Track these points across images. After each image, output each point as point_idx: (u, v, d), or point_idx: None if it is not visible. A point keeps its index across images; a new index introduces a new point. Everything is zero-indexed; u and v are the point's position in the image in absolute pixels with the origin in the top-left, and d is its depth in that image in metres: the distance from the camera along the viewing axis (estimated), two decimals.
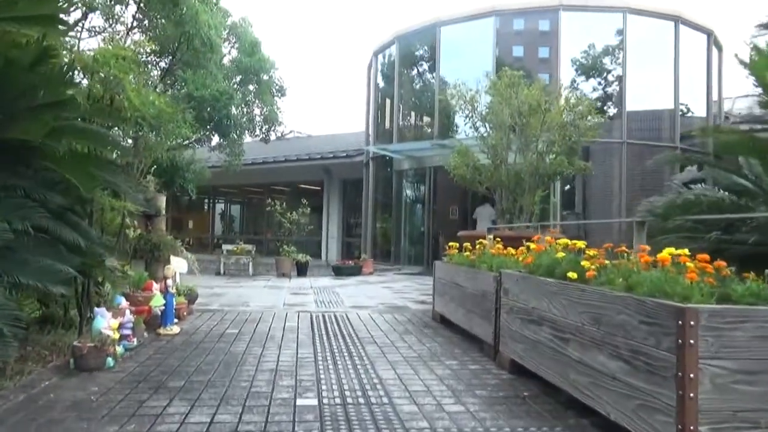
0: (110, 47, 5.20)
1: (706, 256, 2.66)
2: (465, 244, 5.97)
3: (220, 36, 11.81)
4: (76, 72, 4.68)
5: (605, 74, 15.00)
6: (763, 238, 4.25)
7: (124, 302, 4.48)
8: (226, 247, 12.72)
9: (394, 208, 17.10)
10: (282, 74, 25.56)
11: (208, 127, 11.92)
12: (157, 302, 5.02)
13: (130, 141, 5.91)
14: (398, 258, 16.43)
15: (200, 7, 9.72)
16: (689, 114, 15.41)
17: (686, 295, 2.37)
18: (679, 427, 2.17)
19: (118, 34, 9.63)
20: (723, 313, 2.23)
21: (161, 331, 5.03)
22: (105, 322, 3.93)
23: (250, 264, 12.45)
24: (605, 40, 14.66)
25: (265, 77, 15.85)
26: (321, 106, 59.73)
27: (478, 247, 5.71)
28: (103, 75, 4.80)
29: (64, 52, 4.64)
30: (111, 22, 10.00)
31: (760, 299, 2.36)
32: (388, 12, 63.75)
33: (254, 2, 44.74)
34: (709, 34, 15.25)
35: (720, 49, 15.79)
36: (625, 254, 3.22)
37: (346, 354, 4.41)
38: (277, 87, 16.30)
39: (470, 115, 7.99)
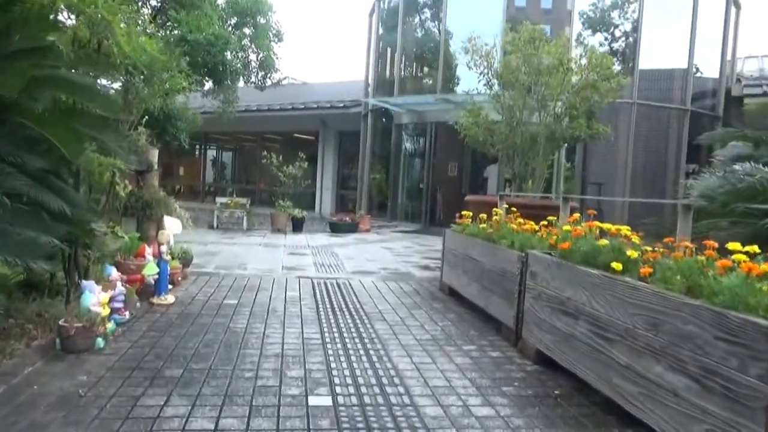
0: None
1: None
2: (480, 215, 5.61)
3: None
4: (58, 13, 4.16)
5: (616, 29, 14.35)
6: None
7: (114, 273, 4.11)
8: (219, 200, 12.29)
9: (392, 162, 16.65)
10: (279, 18, 24.45)
11: (202, 72, 11.26)
12: (151, 271, 4.66)
13: (114, 89, 5.41)
14: (395, 214, 16.12)
15: None
16: (698, 74, 14.85)
17: None
18: None
19: None
20: None
21: (155, 300, 4.69)
22: (94, 297, 3.56)
23: (245, 218, 12.07)
24: None
25: (262, 20, 15.03)
26: (319, 52, 58.03)
27: (494, 218, 5.35)
28: (89, 15, 4.27)
29: None
30: None
31: None
32: None
33: None
34: None
35: (738, 7, 15.12)
36: (680, 246, 2.87)
37: (355, 335, 4.09)
38: (274, 31, 15.50)
39: (485, 71, 7.46)
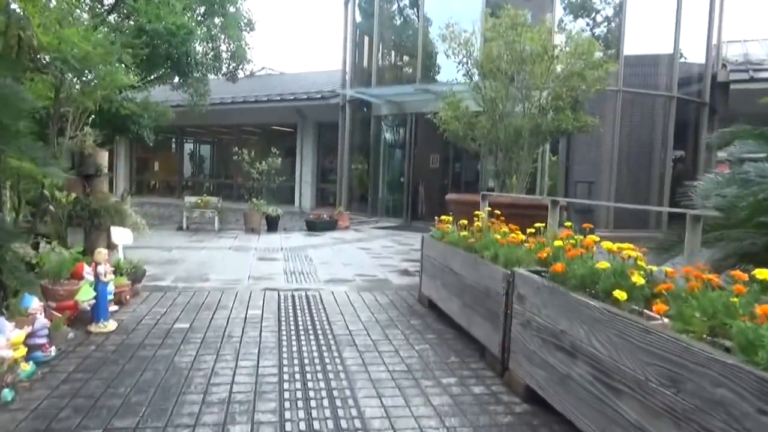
0: None
1: None
2: (461, 220, 5.09)
3: None
4: None
5: (599, 13, 13.87)
6: None
7: (35, 303, 3.53)
8: (189, 199, 11.64)
9: (371, 155, 16.09)
10: (251, 6, 23.60)
11: (165, 65, 10.57)
12: (85, 296, 4.07)
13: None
14: (375, 209, 15.58)
15: None
16: (683, 60, 14.42)
17: None
18: None
19: None
20: None
21: (93, 329, 4.11)
22: (1, 338, 2.99)
23: (216, 218, 11.45)
24: None
25: (232, 9, 14.34)
26: (294, 42, 57.00)
27: (476, 224, 4.84)
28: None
29: None
30: None
31: None
32: None
33: None
34: None
35: None
36: (697, 275, 2.37)
37: (319, 368, 3.56)
38: (245, 20, 14.82)
39: (464, 60, 6.92)
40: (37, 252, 5.41)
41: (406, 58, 16.39)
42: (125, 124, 9.95)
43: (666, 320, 2.23)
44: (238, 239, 10.24)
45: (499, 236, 4.13)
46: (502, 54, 6.69)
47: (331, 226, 12.26)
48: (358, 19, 16.79)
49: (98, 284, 4.17)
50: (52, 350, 3.54)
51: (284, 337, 4.18)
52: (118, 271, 5.24)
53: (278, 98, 19.53)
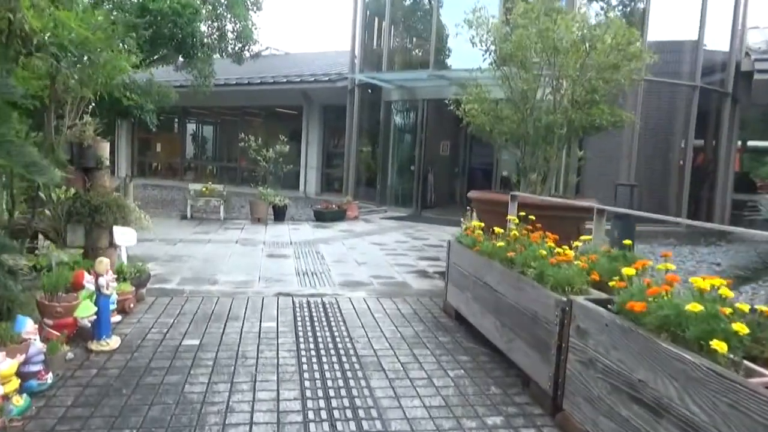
0: None
1: None
2: (493, 227, 4.68)
3: None
4: None
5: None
6: None
7: (29, 326, 3.13)
8: (193, 186, 11.22)
9: (380, 142, 15.60)
10: None
11: (170, 46, 10.06)
12: (85, 312, 3.68)
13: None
14: (384, 198, 15.14)
15: None
16: (706, 47, 13.84)
17: None
18: None
19: None
20: None
21: (94, 347, 3.72)
22: None
23: (222, 207, 11.03)
24: None
25: None
26: (301, 22, 56.06)
27: (512, 233, 4.43)
28: None
29: None
30: None
31: None
32: None
33: None
34: None
35: None
36: None
37: (346, 401, 3.17)
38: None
39: (493, 49, 6.44)
40: (35, 253, 5.02)
41: (417, 41, 15.83)
42: (128, 109, 9.50)
43: None
44: (244, 231, 9.83)
45: (544, 251, 3.72)
46: (533, 43, 6.20)
47: (339, 216, 11.85)
48: (370, 0, 16.17)
49: (99, 298, 3.77)
50: (49, 377, 3.15)
51: (304, 359, 3.79)
52: (121, 276, 4.86)
53: (284, 80, 18.98)
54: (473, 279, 4.45)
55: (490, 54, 6.46)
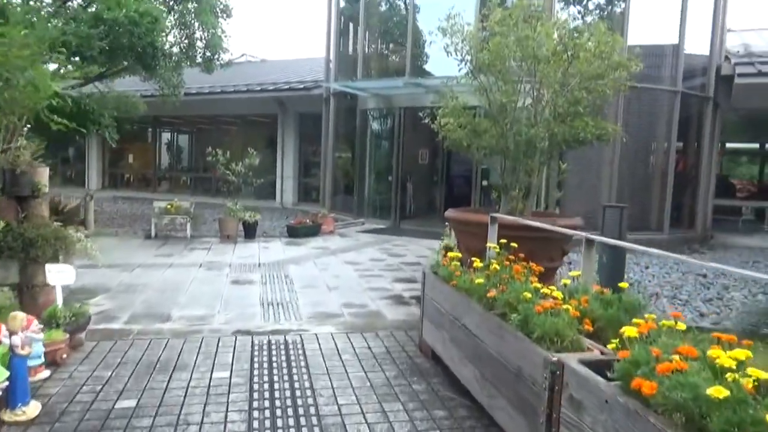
0: None
1: None
2: (471, 256, 4.23)
3: None
4: None
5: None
6: None
7: None
8: (157, 204, 10.60)
9: (357, 151, 15.12)
10: None
11: (130, 57, 9.46)
12: None
13: None
14: (361, 209, 14.64)
15: None
16: (686, 51, 13.60)
17: None
18: None
19: None
20: None
21: (6, 417, 3.17)
22: None
23: (188, 225, 10.44)
24: None
25: None
26: (276, 28, 55.43)
27: (493, 265, 3.97)
28: None
29: None
30: None
31: None
32: None
33: None
34: None
35: None
36: None
37: None
38: (221, 6, 13.72)
39: (468, 58, 6.00)
40: None
41: (393, 48, 15.39)
42: (84, 124, 8.89)
43: None
44: (211, 251, 9.26)
45: (528, 293, 3.26)
46: (512, 51, 5.77)
47: (314, 231, 11.33)
48: (343, 4, 15.70)
49: (13, 359, 3.22)
50: None
51: (256, 422, 3.28)
52: (54, 321, 4.30)
53: (258, 88, 18.45)
54: (450, 318, 3.98)
55: (466, 63, 6.00)
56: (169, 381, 3.83)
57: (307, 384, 3.86)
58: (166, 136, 24.92)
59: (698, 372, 1.97)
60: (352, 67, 15.12)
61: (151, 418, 3.30)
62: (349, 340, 4.83)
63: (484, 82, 5.94)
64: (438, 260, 4.81)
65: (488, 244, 4.73)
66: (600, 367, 2.41)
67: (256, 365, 4.17)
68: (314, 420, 3.33)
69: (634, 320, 2.63)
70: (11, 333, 3.24)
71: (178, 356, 4.31)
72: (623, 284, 3.12)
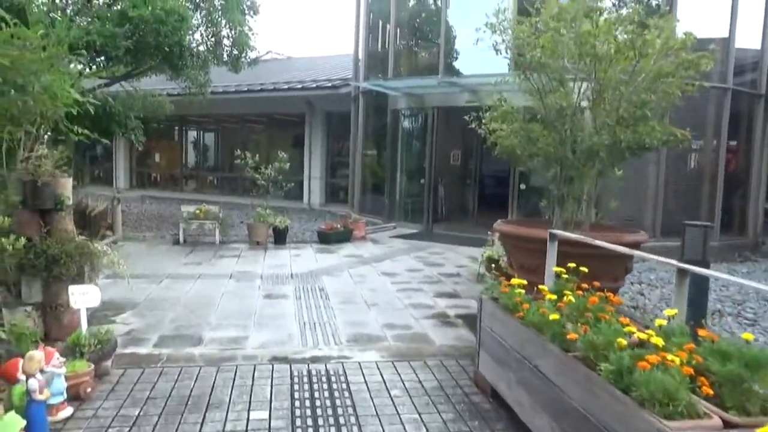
0: None
1: None
2: (542, 290, 3.75)
3: None
4: None
5: None
6: None
7: None
8: (186, 208, 10.30)
9: (388, 152, 14.65)
10: None
11: (156, 56, 9.13)
12: (10, 428, 2.75)
13: None
14: (392, 213, 14.18)
15: None
16: (736, 45, 12.80)
17: None
18: None
19: None
20: None
21: None
22: None
23: (217, 230, 10.12)
24: None
25: None
26: (304, 24, 55.18)
27: (567, 297, 3.49)
28: None
29: None
30: None
31: None
32: None
33: None
34: None
35: None
36: None
37: None
38: (248, 3, 13.38)
39: (521, 57, 5.50)
40: None
41: (424, 44, 14.86)
42: (108, 127, 8.60)
43: None
44: (241, 259, 8.91)
45: (623, 339, 2.77)
46: (570, 49, 5.25)
47: (345, 236, 10.92)
48: (373, 2, 15.22)
49: (30, 406, 2.85)
50: None
51: None
52: (78, 349, 3.95)
53: (285, 87, 18.13)
54: (517, 356, 3.51)
55: (515, 62, 5.50)
56: (202, 424, 3.44)
57: (355, 429, 3.43)
58: (192, 134, 24.77)
59: None
60: (381, 65, 14.66)
61: None
62: (396, 370, 4.39)
63: (538, 84, 5.42)
64: (485, 275, 4.34)
65: (550, 267, 4.25)
66: None
67: (297, 402, 3.76)
68: None
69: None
70: (28, 376, 2.87)
71: (212, 390, 3.92)
72: (747, 335, 2.61)
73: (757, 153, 12.96)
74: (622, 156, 5.47)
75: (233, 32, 13.05)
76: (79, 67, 5.85)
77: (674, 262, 3.38)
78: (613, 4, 5.72)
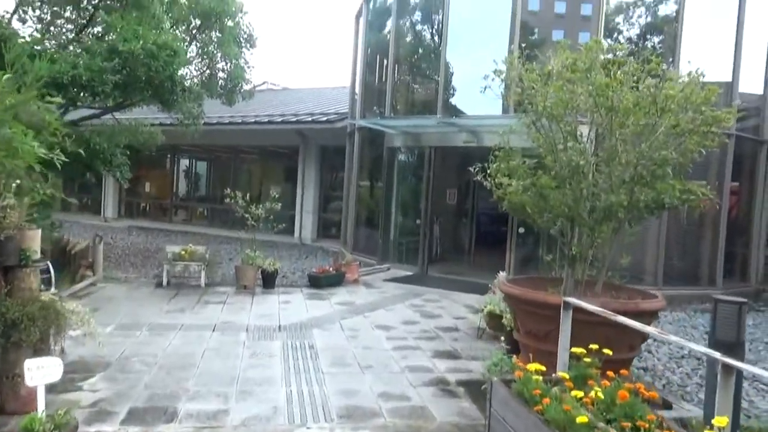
0: None
1: None
2: (563, 378, 3.31)
3: None
4: None
5: (652, 33, 12.24)
6: None
7: None
8: (171, 249, 9.79)
9: (382, 190, 14.24)
10: (252, 20, 21.81)
11: (146, 91, 8.74)
12: None
13: None
14: (386, 252, 13.70)
15: None
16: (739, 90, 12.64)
17: None
18: None
19: None
20: None
21: None
22: None
23: (203, 272, 9.61)
24: None
25: (230, 23, 12.71)
26: (300, 60, 55.45)
27: (596, 391, 3.05)
28: None
29: None
30: None
31: None
32: None
33: None
34: None
35: None
36: None
37: None
38: (245, 36, 13.16)
39: (530, 107, 5.15)
40: None
41: (421, 82, 14.61)
42: (91, 164, 8.16)
43: None
44: (227, 306, 8.39)
45: None
46: (584, 102, 4.92)
47: (337, 280, 10.44)
48: (370, 36, 15.04)
49: None
50: None
51: None
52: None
53: (279, 119, 17.85)
54: None
55: (528, 114, 5.15)
56: None
57: None
58: (184, 164, 24.40)
59: None
60: (378, 100, 14.39)
61: None
62: None
63: (547, 135, 5.06)
64: (485, 331, 3.90)
65: (565, 340, 3.82)
66: None
67: None
68: None
69: None
70: None
71: None
72: None
73: (759, 199, 12.70)
74: (640, 215, 5.09)
75: (228, 65, 12.80)
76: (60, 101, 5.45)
77: (717, 355, 2.95)
78: (630, 54, 5.34)
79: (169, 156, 22.61)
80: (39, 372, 3.69)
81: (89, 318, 4.81)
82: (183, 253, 9.58)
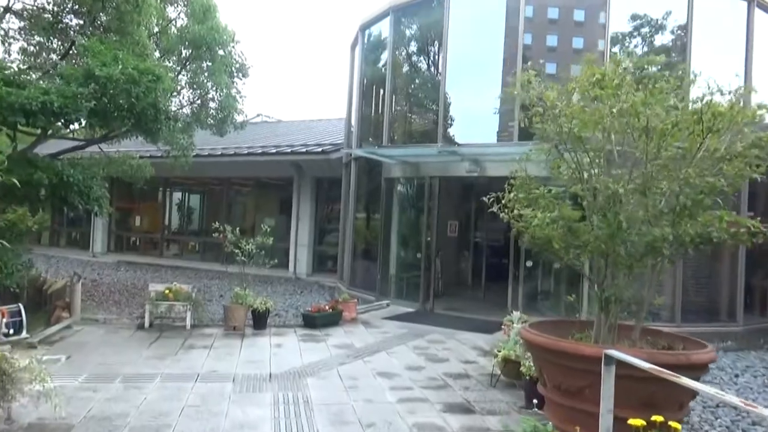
0: None
1: None
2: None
3: None
4: None
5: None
6: None
7: None
8: (154, 287, 9.06)
9: (380, 223, 13.59)
10: (244, 49, 21.35)
11: (128, 119, 8.11)
12: None
13: None
14: (385, 287, 12.96)
15: None
16: None
17: None
18: None
19: None
20: None
21: None
22: None
23: (189, 313, 8.86)
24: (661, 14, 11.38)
25: (221, 52, 12.26)
26: (295, 93, 55.47)
27: None
28: None
29: None
30: None
31: None
32: None
33: None
34: None
35: None
36: None
37: None
38: (236, 65, 12.70)
39: (555, 131, 4.55)
40: None
41: (422, 112, 14.08)
42: (65, 198, 7.50)
43: None
44: (213, 351, 7.64)
45: None
46: (614, 123, 4.32)
47: (334, 319, 9.71)
48: (367, 67, 14.59)
49: None
50: None
51: None
52: None
53: (274, 151, 17.34)
54: None
55: (552, 140, 4.55)
56: None
57: None
58: (176, 196, 23.73)
59: None
60: (375, 132, 13.84)
61: None
62: None
63: (578, 163, 4.44)
64: (499, 378, 3.20)
65: (608, 402, 3.13)
66: None
67: None
68: None
69: None
70: None
71: None
72: None
73: None
74: (685, 251, 4.45)
75: (220, 95, 12.31)
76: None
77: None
78: (659, 69, 4.78)
79: (160, 188, 21.98)
80: None
81: (44, 376, 4.10)
82: (167, 292, 8.85)
